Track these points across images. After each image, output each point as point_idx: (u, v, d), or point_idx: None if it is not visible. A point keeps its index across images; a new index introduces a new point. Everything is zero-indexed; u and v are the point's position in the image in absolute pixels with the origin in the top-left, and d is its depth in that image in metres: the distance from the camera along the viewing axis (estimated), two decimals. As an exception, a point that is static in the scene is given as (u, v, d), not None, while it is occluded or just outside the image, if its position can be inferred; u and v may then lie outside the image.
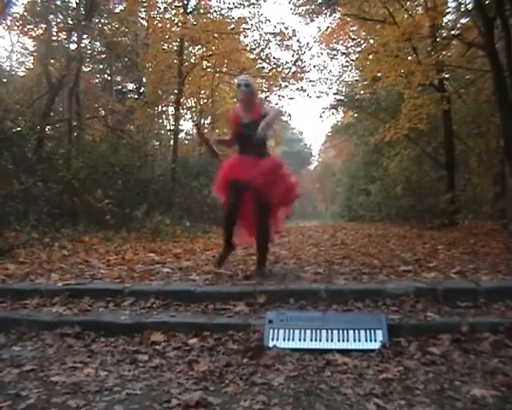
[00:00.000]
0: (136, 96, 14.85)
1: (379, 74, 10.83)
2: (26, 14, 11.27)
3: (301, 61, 12.95)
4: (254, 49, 13.01)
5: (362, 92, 15.64)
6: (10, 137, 7.99)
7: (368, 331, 2.58)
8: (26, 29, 11.82)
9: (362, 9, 10.57)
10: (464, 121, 10.95)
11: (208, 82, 14.26)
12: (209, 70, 13.72)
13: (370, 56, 11.15)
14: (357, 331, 2.59)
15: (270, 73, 13.21)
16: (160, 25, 12.01)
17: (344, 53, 14.15)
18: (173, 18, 11.92)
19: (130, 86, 16.63)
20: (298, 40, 12.92)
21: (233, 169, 3.79)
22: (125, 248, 6.16)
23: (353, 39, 13.79)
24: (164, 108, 15.26)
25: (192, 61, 12.76)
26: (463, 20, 9.87)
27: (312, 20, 12.50)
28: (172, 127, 13.62)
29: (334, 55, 14.04)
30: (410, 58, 10.05)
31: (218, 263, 4.02)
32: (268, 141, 4.00)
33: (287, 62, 12.91)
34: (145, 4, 12.23)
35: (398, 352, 2.43)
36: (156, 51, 11.89)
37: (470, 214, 9.65)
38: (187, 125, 19.95)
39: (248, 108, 3.87)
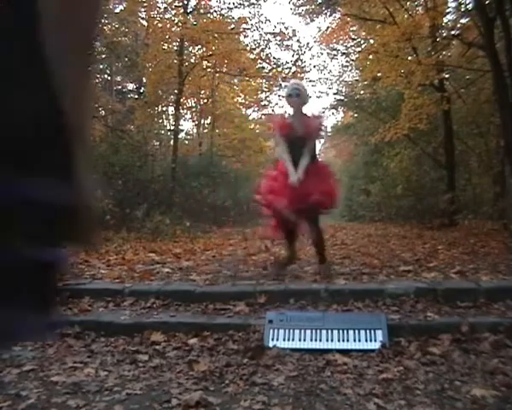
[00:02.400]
0: (136, 96, 14.85)
1: (379, 74, 10.83)
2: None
3: (301, 61, 13.01)
4: (254, 49, 13.03)
5: (362, 92, 15.65)
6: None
7: (368, 331, 2.58)
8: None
9: (362, 9, 10.59)
10: (464, 121, 10.94)
11: (208, 82, 14.27)
12: (209, 70, 13.72)
13: (370, 56, 11.15)
14: (357, 331, 2.59)
15: (270, 73, 13.22)
16: (160, 25, 12.01)
17: (344, 53, 14.18)
18: (173, 18, 11.92)
19: (130, 86, 16.64)
20: (298, 40, 13.03)
21: (289, 202, 3.51)
22: (125, 248, 6.16)
23: (353, 39, 13.80)
24: (164, 108, 15.28)
25: (192, 61, 12.76)
26: (463, 20, 9.87)
27: (312, 20, 12.54)
28: (172, 127, 13.63)
29: (334, 55, 14.08)
30: (410, 58, 10.06)
31: (278, 268, 3.84)
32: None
33: (287, 62, 12.95)
34: (145, 4, 12.24)
35: (398, 352, 2.43)
36: (156, 51, 11.89)
37: (470, 214, 9.65)
38: (187, 125, 19.96)
39: (299, 119, 3.68)
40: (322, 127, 3.83)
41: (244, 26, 12.68)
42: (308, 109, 3.94)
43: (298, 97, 3.66)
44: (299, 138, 3.61)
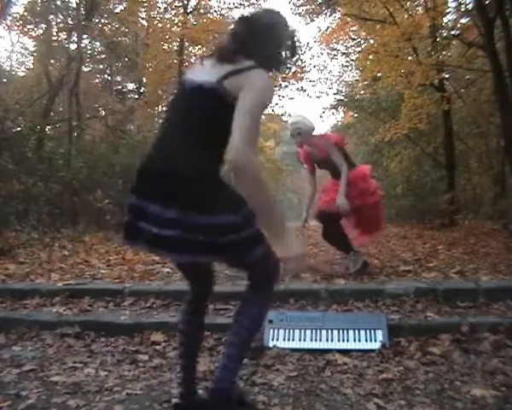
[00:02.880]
0: (136, 96, 14.84)
1: (379, 74, 10.81)
2: (26, 14, 11.28)
3: (301, 61, 12.96)
4: (254, 49, 12.98)
5: (362, 92, 15.60)
6: (10, 137, 7.98)
7: (368, 331, 2.58)
8: (26, 29, 11.82)
9: (362, 9, 10.55)
10: (464, 121, 10.93)
11: (208, 82, 14.23)
12: (209, 70, 13.69)
13: (370, 56, 11.12)
14: (357, 331, 2.59)
15: (270, 73, 13.19)
16: (160, 25, 12.01)
17: (344, 53, 14.13)
18: (173, 18, 11.92)
19: (130, 86, 16.62)
20: (298, 40, 12.93)
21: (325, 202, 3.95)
22: (126, 247, 6.15)
23: (353, 39, 13.75)
24: (164, 108, 15.26)
25: (192, 61, 12.75)
26: (463, 20, 9.86)
27: (312, 20, 12.49)
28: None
29: (334, 55, 14.03)
30: (410, 58, 10.03)
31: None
32: (342, 158, 3.82)
33: (287, 62, 12.90)
34: (145, 4, 12.23)
35: (399, 352, 2.43)
36: (156, 51, 11.89)
37: (470, 214, 9.63)
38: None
39: (312, 145, 3.89)
40: (332, 142, 3.85)
41: (244, 26, 12.65)
42: (317, 130, 4.03)
43: (300, 135, 3.82)
44: (321, 160, 3.90)
